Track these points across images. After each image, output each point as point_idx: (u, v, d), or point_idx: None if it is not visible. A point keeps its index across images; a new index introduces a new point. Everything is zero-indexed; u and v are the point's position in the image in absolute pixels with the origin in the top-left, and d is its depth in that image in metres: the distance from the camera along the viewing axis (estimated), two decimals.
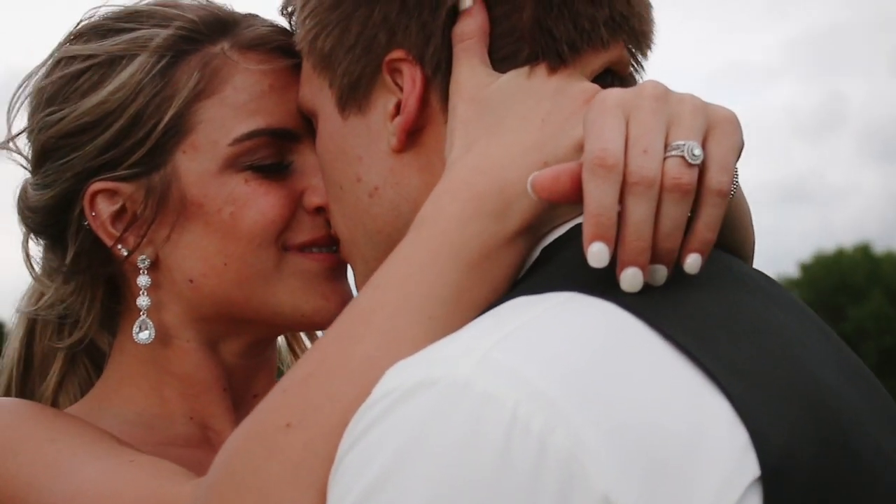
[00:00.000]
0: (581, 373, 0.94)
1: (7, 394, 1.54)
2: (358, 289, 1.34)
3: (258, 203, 1.39)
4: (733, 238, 1.23)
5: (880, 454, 1.05)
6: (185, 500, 1.15)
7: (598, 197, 1.00)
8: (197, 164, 1.40)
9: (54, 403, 1.53)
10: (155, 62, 1.40)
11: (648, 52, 1.26)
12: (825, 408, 1.02)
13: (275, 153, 1.41)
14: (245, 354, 1.49)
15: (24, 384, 1.54)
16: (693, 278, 1.05)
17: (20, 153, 1.49)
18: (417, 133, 1.20)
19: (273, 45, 1.43)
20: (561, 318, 1.00)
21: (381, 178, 1.22)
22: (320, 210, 1.41)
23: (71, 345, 1.52)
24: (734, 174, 1.13)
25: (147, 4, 1.46)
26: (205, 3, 1.48)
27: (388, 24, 1.19)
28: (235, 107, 1.40)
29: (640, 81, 1.26)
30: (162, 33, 1.41)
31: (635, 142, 1.02)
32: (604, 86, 1.18)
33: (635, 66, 1.25)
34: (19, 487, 1.26)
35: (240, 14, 1.47)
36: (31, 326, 1.55)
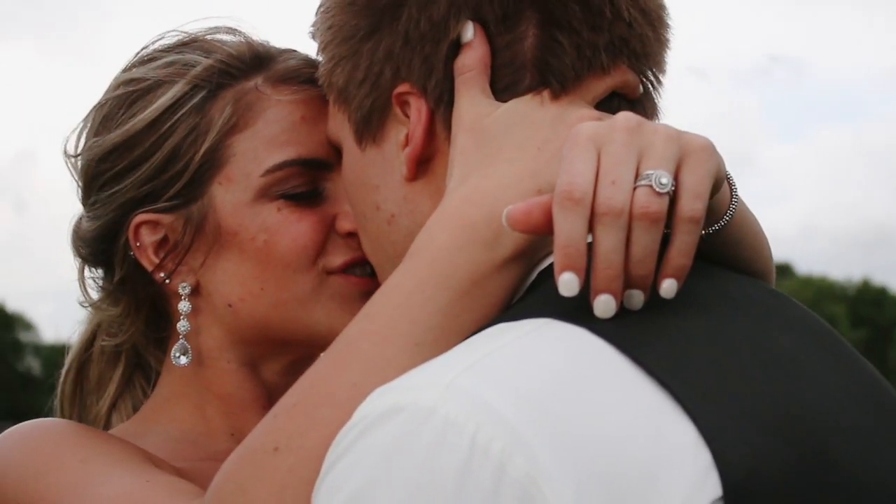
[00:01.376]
0: (543, 397, 0.97)
1: (61, 406, 1.65)
2: None
3: (290, 230, 1.47)
4: (742, 256, 1.25)
5: (872, 470, 1.06)
6: None
7: (566, 229, 1.04)
8: (231, 195, 1.48)
9: (107, 421, 1.63)
10: (191, 94, 1.49)
11: (659, 72, 1.28)
12: (803, 426, 1.04)
13: (307, 181, 1.48)
14: (286, 373, 1.56)
15: (74, 399, 1.65)
16: (677, 303, 1.08)
17: (76, 178, 1.59)
18: (427, 162, 1.24)
19: (305, 76, 1.50)
20: (529, 344, 1.03)
21: (396, 206, 1.27)
22: (353, 234, 1.46)
23: (112, 346, 1.61)
24: (731, 199, 1.17)
25: (198, 34, 1.56)
26: (248, 40, 1.56)
27: (391, 58, 1.23)
28: (267, 139, 1.48)
29: (657, 100, 1.29)
30: (203, 62, 1.50)
31: (605, 174, 1.05)
32: (608, 110, 1.21)
33: (651, 84, 1.27)
34: None
35: (277, 50, 1.56)
36: (88, 346, 1.65)
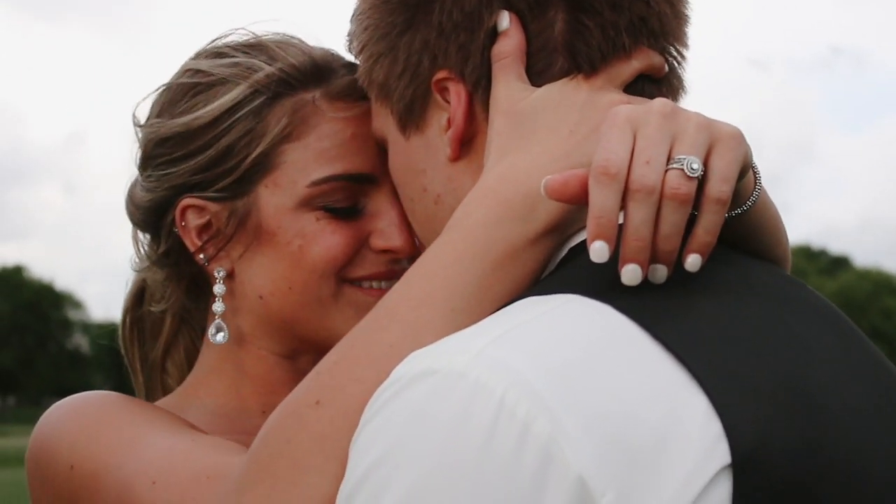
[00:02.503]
0: (567, 367, 1.04)
1: (125, 352, 1.78)
2: None
3: (325, 240, 1.56)
4: (763, 242, 1.31)
5: (871, 453, 1.12)
6: (234, 468, 1.29)
7: (601, 201, 1.11)
8: (276, 199, 1.57)
9: (163, 366, 1.77)
10: (251, 98, 1.57)
11: (681, 46, 1.33)
12: (810, 405, 1.10)
13: (348, 196, 1.56)
14: (317, 361, 1.64)
15: (133, 346, 1.78)
16: (698, 284, 1.15)
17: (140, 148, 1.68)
18: (469, 142, 1.31)
19: (361, 93, 1.54)
20: (556, 318, 1.10)
21: (442, 186, 1.34)
22: (386, 252, 1.57)
23: (160, 310, 1.74)
24: (755, 185, 1.23)
25: (265, 39, 1.63)
26: (313, 48, 1.64)
27: (428, 48, 1.30)
28: (317, 152, 1.56)
29: (683, 75, 1.34)
30: (266, 70, 1.57)
31: (639, 153, 1.12)
32: (636, 92, 1.28)
33: (676, 60, 1.33)
34: (98, 468, 1.42)
35: (339, 62, 1.62)
36: (140, 294, 1.77)
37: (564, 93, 1.27)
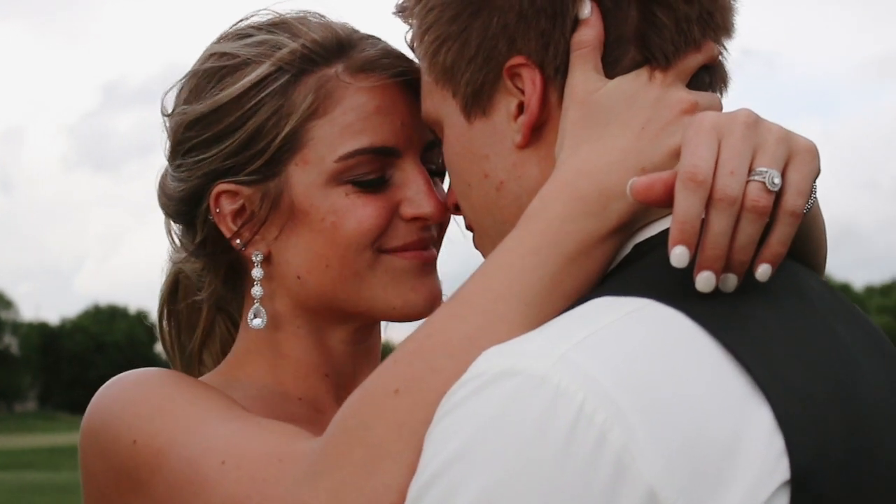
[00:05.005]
0: (644, 378, 1.07)
1: (164, 344, 1.78)
2: None
3: (357, 214, 1.56)
4: (807, 248, 1.35)
5: None
6: (305, 452, 1.29)
7: (686, 207, 1.13)
8: (305, 177, 1.57)
9: (200, 357, 1.77)
10: (276, 76, 1.57)
11: (730, 40, 1.36)
12: (862, 421, 1.14)
13: (375, 168, 1.57)
14: (350, 341, 1.66)
15: (171, 337, 1.77)
16: (760, 294, 1.17)
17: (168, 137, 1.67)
18: (539, 129, 1.32)
19: (383, 66, 1.58)
20: (634, 325, 1.13)
21: (506, 172, 1.34)
22: (416, 219, 1.58)
23: (196, 301, 1.74)
24: (810, 196, 1.25)
25: (287, 17, 1.63)
26: (333, 22, 1.64)
27: (507, 32, 1.29)
28: (343, 126, 1.56)
29: (726, 65, 1.36)
30: (289, 45, 1.58)
31: (724, 163, 1.14)
32: (700, 84, 1.31)
33: (725, 51, 1.35)
34: (162, 444, 1.41)
35: (358, 36, 1.63)
36: (175, 285, 1.76)
37: (636, 87, 1.28)
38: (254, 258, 1.61)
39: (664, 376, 1.08)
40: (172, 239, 1.71)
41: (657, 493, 1.02)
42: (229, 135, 1.57)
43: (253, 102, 1.56)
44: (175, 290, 1.76)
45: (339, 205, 1.56)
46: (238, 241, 1.61)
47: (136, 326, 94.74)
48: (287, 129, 1.56)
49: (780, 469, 1.06)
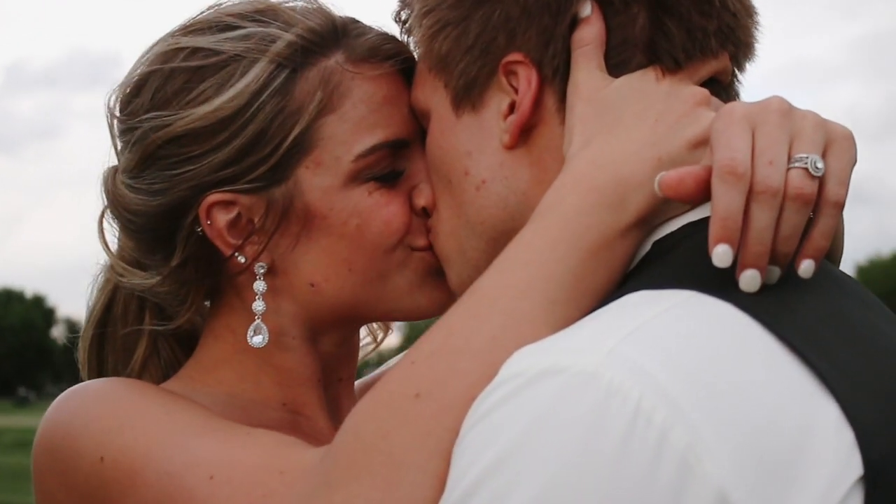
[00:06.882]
0: (700, 372, 1.00)
1: (85, 371, 1.56)
2: (450, 283, 1.40)
3: (382, 213, 1.44)
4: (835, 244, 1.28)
5: None
6: (311, 463, 1.18)
7: (727, 202, 1.06)
8: (321, 180, 1.43)
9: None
10: (274, 74, 1.41)
11: (748, 63, 1.32)
12: None
13: (391, 162, 1.45)
14: (340, 343, 1.54)
15: (100, 361, 1.57)
16: (802, 282, 1.11)
17: (115, 142, 1.48)
18: (529, 131, 1.27)
19: (383, 53, 1.46)
20: (682, 317, 1.05)
21: (490, 171, 1.29)
22: (425, 210, 1.46)
23: (159, 330, 1.54)
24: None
25: (273, 2, 1.46)
26: (321, 3, 1.49)
27: (508, 26, 1.25)
28: (355, 122, 1.43)
29: (739, 90, 1.33)
30: (284, 37, 1.42)
31: (762, 153, 1.08)
32: (710, 92, 1.26)
33: (736, 75, 1.31)
34: (135, 459, 1.28)
35: (345, 19, 1.48)
36: (109, 305, 1.56)
37: (645, 83, 1.24)
38: (257, 270, 1.45)
39: (722, 368, 1.01)
40: (109, 251, 1.52)
41: (728, 495, 0.95)
42: (225, 144, 1.40)
43: (252, 109, 1.40)
44: (108, 314, 1.56)
45: (362, 205, 1.43)
46: (240, 255, 1.44)
47: (33, 310, 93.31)
48: (296, 130, 1.41)
49: (853, 465, 1.00)
